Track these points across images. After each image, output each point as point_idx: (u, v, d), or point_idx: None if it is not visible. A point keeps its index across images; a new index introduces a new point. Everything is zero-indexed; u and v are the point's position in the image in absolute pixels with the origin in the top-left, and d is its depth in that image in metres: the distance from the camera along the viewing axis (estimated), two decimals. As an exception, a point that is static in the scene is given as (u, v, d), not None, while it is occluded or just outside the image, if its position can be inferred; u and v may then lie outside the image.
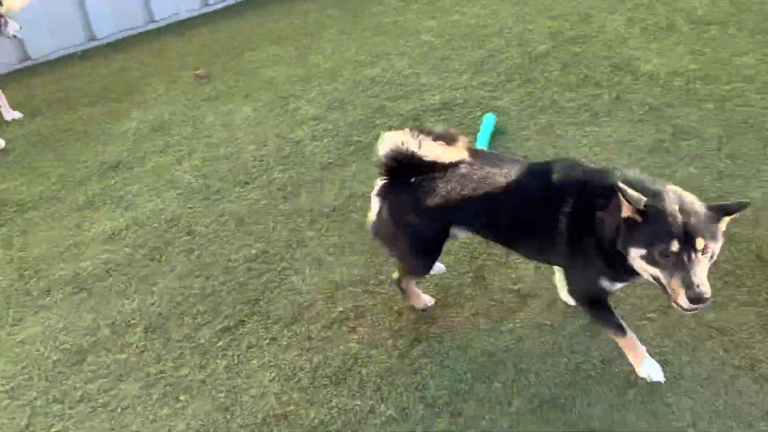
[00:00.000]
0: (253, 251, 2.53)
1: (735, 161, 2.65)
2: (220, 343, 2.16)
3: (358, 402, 1.94)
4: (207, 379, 2.05)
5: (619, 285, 1.81)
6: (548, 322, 2.13)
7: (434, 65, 3.72)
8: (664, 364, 1.90)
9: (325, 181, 2.88)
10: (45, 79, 4.04)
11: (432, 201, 1.90)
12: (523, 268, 2.30)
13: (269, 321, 2.22)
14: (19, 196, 2.95)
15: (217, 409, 1.95)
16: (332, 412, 1.92)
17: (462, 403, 1.91)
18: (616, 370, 1.93)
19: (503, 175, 1.85)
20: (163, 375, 2.08)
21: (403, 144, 1.86)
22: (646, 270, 1.61)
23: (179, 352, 2.15)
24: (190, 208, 2.80)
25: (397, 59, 3.85)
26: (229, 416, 1.93)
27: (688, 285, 1.52)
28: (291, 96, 3.60)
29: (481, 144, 2.89)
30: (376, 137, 3.09)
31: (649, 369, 1.88)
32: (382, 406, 1.92)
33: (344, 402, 1.94)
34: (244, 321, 2.24)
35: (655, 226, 1.56)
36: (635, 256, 1.61)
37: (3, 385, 2.08)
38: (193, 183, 2.96)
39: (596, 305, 1.87)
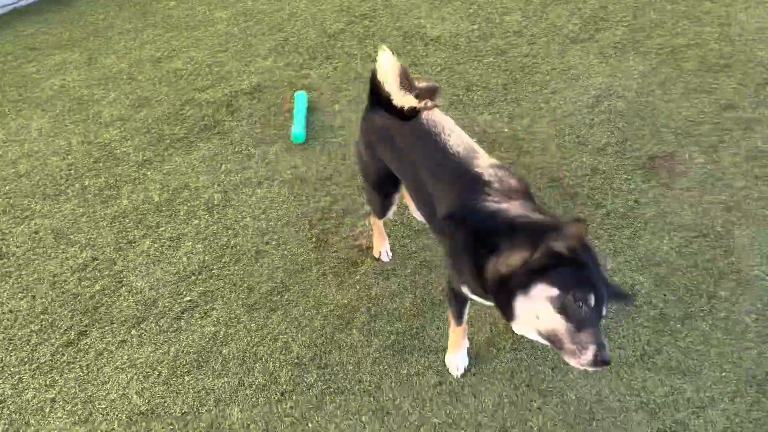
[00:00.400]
0: (80, 261, 2.39)
1: (520, 104, 3.02)
2: (63, 358, 2.03)
3: (225, 379, 1.95)
4: (57, 397, 1.92)
5: (476, 298, 1.65)
6: (390, 267, 2.29)
7: (236, 52, 3.73)
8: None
9: (145, 179, 2.79)
10: None
11: (367, 136, 1.84)
12: (360, 224, 2.44)
13: (114, 325, 2.13)
14: None
15: (76, 423, 1.85)
16: (200, 395, 1.91)
17: (326, 355, 2.01)
18: (455, 293, 2.14)
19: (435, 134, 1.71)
20: (4, 404, 1.91)
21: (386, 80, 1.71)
22: (545, 314, 1.35)
23: (17, 377, 1.98)
24: (-6, 231, 2.55)
25: (196, 51, 3.79)
26: (90, 426, 1.83)
27: (600, 345, 1.31)
28: (89, 101, 3.39)
29: (299, 122, 2.97)
30: (190, 128, 3.07)
31: (454, 361, 1.89)
32: (250, 377, 1.95)
33: (211, 383, 1.94)
34: (86, 331, 2.12)
35: (582, 271, 1.35)
36: (540, 294, 1.35)
37: None
38: (-6, 205, 2.69)
39: (454, 292, 1.77)
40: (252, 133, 3.04)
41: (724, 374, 1.89)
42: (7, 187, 2.79)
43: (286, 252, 2.37)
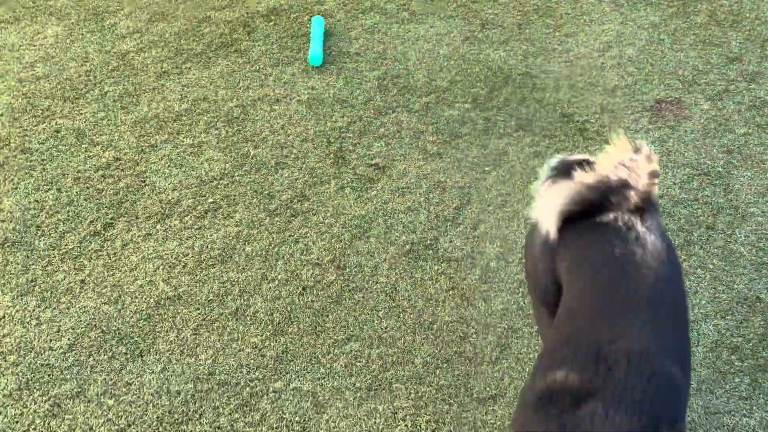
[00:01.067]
0: (103, 160, 2.44)
1: (534, 44, 3.08)
2: (91, 246, 2.10)
3: (249, 273, 2.04)
4: (87, 279, 2.00)
5: None
6: (405, 185, 2.38)
7: (252, -23, 3.71)
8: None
9: (164, 89, 2.81)
10: None
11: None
12: (376, 145, 2.51)
13: (139, 220, 2.20)
14: None
15: (106, 303, 1.93)
16: (225, 285, 2.00)
17: (344, 258, 2.10)
18: (468, 212, 2.24)
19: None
20: (36, 283, 1.99)
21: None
22: None
23: (47, 260, 2.06)
24: (18, 127, 2.58)
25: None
26: (119, 306, 1.92)
27: None
28: (104, 12, 3.37)
29: (316, 45, 3.00)
30: (208, 44, 3.08)
31: None
32: (272, 272, 2.04)
33: (235, 276, 2.03)
34: (111, 223, 2.19)
35: None
36: None
37: None
38: (14, 104, 2.71)
39: None
40: (269, 53, 3.06)
41: (717, 295, 2.03)
42: (25, 88, 2.80)
43: (304, 165, 2.44)
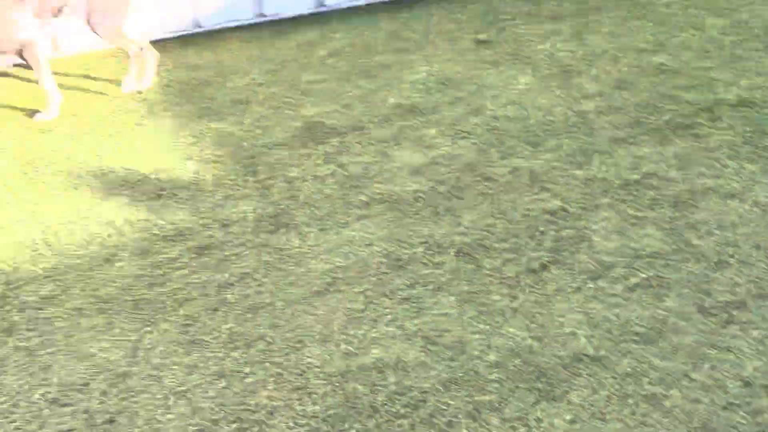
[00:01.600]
0: (551, 205, 2.64)
1: None
2: (527, 280, 2.29)
3: (671, 363, 1.97)
4: (518, 308, 2.19)
5: None
6: None
7: (725, 62, 3.58)
8: None
9: (616, 155, 2.91)
10: (341, 26, 4.42)
11: None
12: None
13: (573, 272, 2.32)
14: (331, 121, 3.29)
15: (531, 337, 2.08)
16: (643, 365, 1.98)
17: (783, 390, 1.88)
18: None
19: None
20: (476, 295, 2.25)
21: None
22: None
23: (488, 279, 2.31)
24: (485, 157, 2.96)
25: (681, 50, 3.75)
26: (542, 345, 2.05)
27: None
28: (572, 71, 3.64)
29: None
30: (667, 122, 3.09)
31: None
32: (696, 373, 1.94)
33: (656, 361, 1.99)
34: (546, 266, 2.35)
35: None
36: None
37: (340, 272, 2.37)
38: (485, 135, 3.12)
39: None
40: (731, 144, 2.92)
41: None
42: (496, 124, 3.20)
43: (750, 273, 2.26)
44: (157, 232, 2.57)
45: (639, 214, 2.56)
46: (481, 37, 4.06)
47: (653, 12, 4.29)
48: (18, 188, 2.83)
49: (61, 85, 3.45)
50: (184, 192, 2.79)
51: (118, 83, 3.61)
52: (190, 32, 4.25)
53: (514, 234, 2.51)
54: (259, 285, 2.32)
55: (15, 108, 3.46)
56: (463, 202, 2.69)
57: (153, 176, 2.89)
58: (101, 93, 3.59)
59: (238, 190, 2.81)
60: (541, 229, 2.52)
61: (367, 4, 4.67)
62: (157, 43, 4.09)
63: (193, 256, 2.45)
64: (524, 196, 2.70)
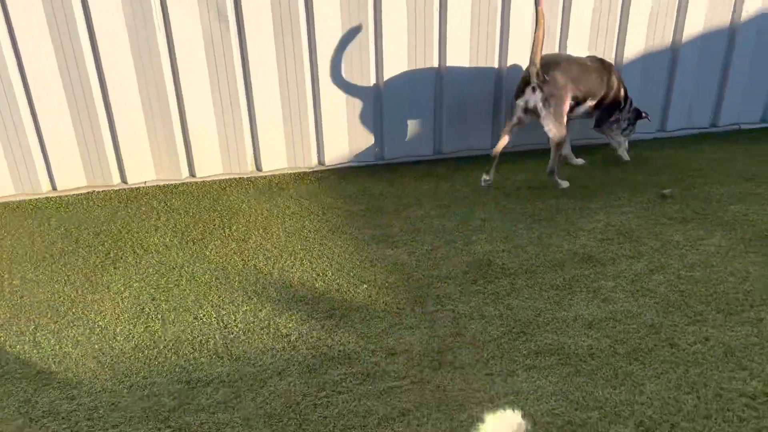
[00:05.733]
0: (750, 389, 2.31)
1: None
2: (723, 475, 1.97)
3: None
4: None
5: None
6: None
7: None
8: None
9: (830, 339, 2.53)
10: (517, 167, 4.48)
11: None
12: None
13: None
14: (502, 261, 3.24)
15: None
16: None
17: None
18: None
19: None
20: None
21: None
22: None
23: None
24: (669, 321, 2.71)
25: None
26: None
27: None
28: (772, 236, 3.32)
29: None
30: None
31: None
32: None
33: None
34: (746, 461, 2.02)
35: None
36: None
37: None
38: (669, 296, 2.88)
39: None
40: None
41: None
42: (682, 286, 2.95)
43: None
44: (326, 352, 2.61)
45: None
46: (667, 191, 3.88)
47: None
48: (208, 292, 3.06)
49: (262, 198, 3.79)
50: (355, 314, 2.84)
51: (309, 201, 3.89)
52: (373, 163, 4.55)
53: (706, 415, 2.21)
54: (418, 425, 2.23)
55: (224, 215, 3.83)
56: (644, 367, 2.45)
57: (329, 295, 2.99)
58: (294, 212, 3.87)
59: (406, 319, 2.80)
60: (739, 414, 2.20)
61: (544, 150, 4.72)
62: (342, 170, 4.41)
63: (358, 383, 2.43)
64: (717, 372, 2.40)
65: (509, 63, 4.40)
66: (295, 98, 4.23)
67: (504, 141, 4.06)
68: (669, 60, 4.59)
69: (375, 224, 3.67)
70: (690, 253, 3.23)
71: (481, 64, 4.37)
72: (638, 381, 2.38)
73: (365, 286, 3.07)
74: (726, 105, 4.81)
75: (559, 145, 3.91)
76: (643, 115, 4.31)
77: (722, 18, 4.51)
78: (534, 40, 3.67)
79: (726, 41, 4.60)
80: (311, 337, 2.71)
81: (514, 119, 3.98)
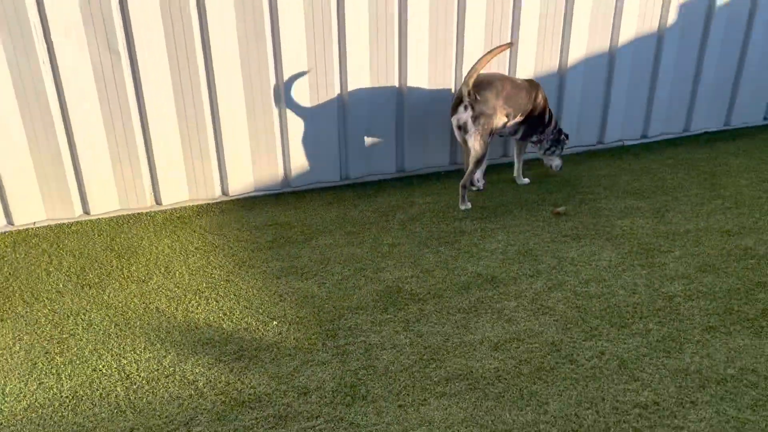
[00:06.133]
0: (642, 399, 2.47)
1: None
2: (622, 486, 2.10)
3: None
4: None
5: None
6: None
7: (818, 250, 3.44)
8: None
9: (709, 346, 2.75)
10: (421, 190, 4.58)
11: None
12: None
13: (672, 479, 2.11)
14: (411, 287, 3.30)
15: None
16: None
17: None
18: None
19: None
20: (566, 500, 2.06)
21: None
22: None
23: (579, 481, 2.13)
24: (568, 337, 2.86)
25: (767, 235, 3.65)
26: None
27: None
28: (655, 250, 3.58)
29: None
30: (763, 312, 2.92)
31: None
32: None
33: None
34: (642, 470, 2.15)
35: None
36: None
37: (418, 458, 2.24)
38: (568, 313, 3.03)
39: None
40: (836, 342, 2.71)
41: None
42: (579, 302, 3.12)
43: None
44: (236, 396, 2.54)
45: (741, 415, 2.36)
46: (560, 209, 4.10)
47: (734, 193, 4.27)
48: (107, 340, 2.91)
49: (159, 236, 3.65)
50: (265, 354, 2.79)
51: (213, 234, 3.79)
52: (279, 191, 4.50)
53: (604, 429, 2.34)
54: (334, 465, 2.22)
55: (119, 253, 3.66)
56: (547, 386, 2.56)
57: (237, 335, 2.92)
58: (197, 248, 3.76)
59: (318, 355, 2.79)
60: (634, 425, 2.34)
61: (446, 172, 4.86)
62: (248, 200, 4.33)
63: (270, 426, 2.38)
64: (612, 385, 2.55)
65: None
66: (194, 127, 4.12)
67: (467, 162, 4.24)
68: (557, 81, 4.86)
69: (283, 256, 3.63)
70: (584, 269, 3.41)
71: (382, 83, 4.46)
72: (542, 400, 2.49)
73: (275, 322, 3.02)
74: (610, 123, 5.15)
75: (479, 162, 4.12)
76: (564, 136, 4.55)
77: (602, 43, 4.84)
78: (474, 65, 3.88)
79: (607, 63, 4.93)
80: (220, 382, 2.63)
81: (458, 138, 4.18)
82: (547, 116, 4.44)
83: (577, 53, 4.79)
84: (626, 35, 4.86)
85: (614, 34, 4.84)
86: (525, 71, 4.71)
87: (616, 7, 4.75)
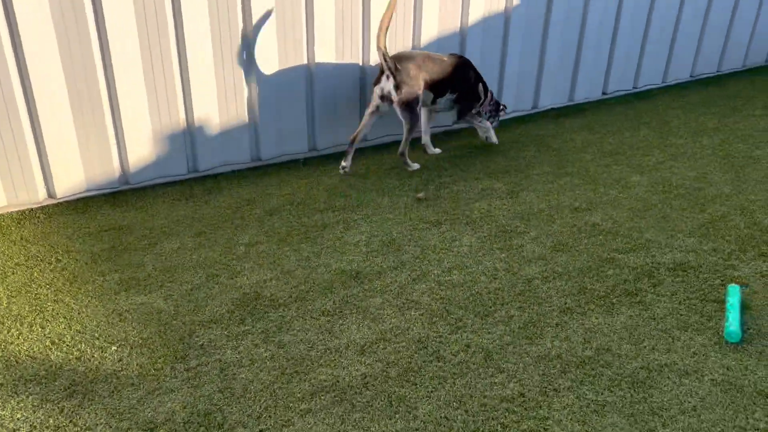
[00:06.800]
0: (508, 391, 2.45)
1: None
2: (494, 490, 2.05)
3: None
4: None
5: None
6: None
7: (656, 222, 3.67)
8: None
9: (567, 328, 2.81)
10: (279, 181, 4.32)
11: None
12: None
13: (541, 475, 2.10)
14: (271, 291, 3.06)
15: None
16: None
17: None
18: None
19: None
20: None
21: None
22: None
23: (452, 490, 2.05)
24: (434, 332, 2.79)
25: (613, 210, 3.83)
26: None
27: None
28: (512, 231, 3.62)
29: (734, 320, 2.73)
30: (612, 288, 3.04)
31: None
32: None
33: None
34: (512, 469, 2.12)
35: None
36: None
37: (283, 490, 2.05)
38: (432, 306, 2.97)
39: None
40: (676, 313, 2.88)
41: None
42: (443, 292, 3.07)
43: None
44: (68, 444, 2.18)
45: (599, 398, 2.41)
46: (420, 194, 4.03)
47: (581, 169, 4.45)
48: None
49: (-33, 256, 3.09)
50: (103, 387, 2.44)
51: (37, 246, 3.28)
52: (116, 189, 4.03)
53: (474, 429, 2.28)
54: None
55: None
56: (416, 388, 2.46)
57: (69, 367, 2.53)
58: (18, 263, 3.24)
59: (166, 381, 2.48)
60: (503, 421, 2.31)
61: (306, 159, 4.63)
62: (79, 202, 3.83)
63: (110, 477, 2.07)
64: (480, 380, 2.50)
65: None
66: (4, 118, 3.52)
67: (362, 128, 4.30)
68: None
69: (123, 266, 3.23)
70: (447, 257, 3.37)
71: (228, 72, 4.10)
72: (411, 405, 2.38)
73: (114, 347, 2.66)
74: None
75: (411, 129, 4.17)
76: (502, 107, 4.73)
77: (454, 23, 4.81)
78: (379, 25, 3.93)
79: (459, 43, 4.91)
80: (47, 427, 2.25)
81: (372, 106, 4.23)
82: (481, 92, 4.56)
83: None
84: (475, 15, 4.86)
85: (463, 16, 4.82)
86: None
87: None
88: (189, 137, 4.14)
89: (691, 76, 6.51)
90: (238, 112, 4.23)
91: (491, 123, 4.74)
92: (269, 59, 4.18)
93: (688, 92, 6.25)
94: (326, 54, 4.34)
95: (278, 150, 4.51)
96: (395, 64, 4.01)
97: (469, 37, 4.90)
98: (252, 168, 4.44)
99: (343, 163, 4.28)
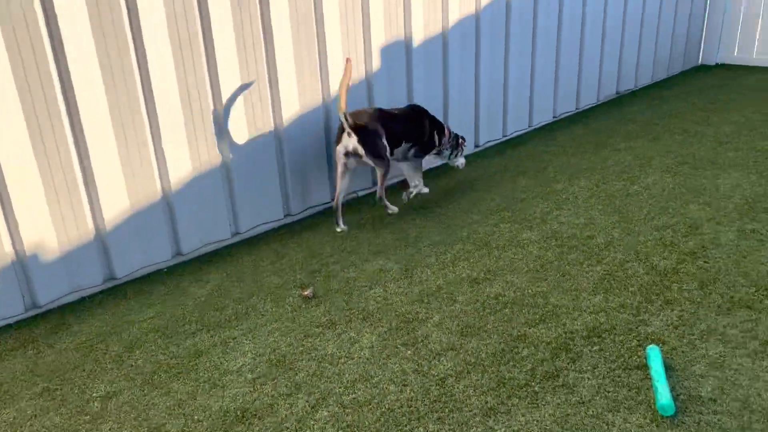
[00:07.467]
0: None
1: None
2: None
3: None
4: None
5: None
6: None
7: (557, 283, 3.46)
8: None
9: (494, 434, 2.45)
10: (136, 302, 3.71)
11: None
12: None
13: None
14: (138, 462, 2.45)
15: None
16: None
17: None
18: None
19: None
20: None
21: None
22: None
23: None
24: (346, 475, 2.32)
25: (512, 275, 3.60)
26: None
27: None
28: (414, 320, 3.26)
29: (664, 391, 2.50)
30: (531, 373, 2.74)
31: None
32: None
33: None
34: None
35: None
36: None
37: None
38: (339, 437, 2.50)
39: None
40: (603, 391, 2.62)
41: None
42: (349, 418, 2.61)
43: None
44: None
45: None
46: (307, 292, 3.59)
47: (471, 232, 4.22)
48: None
49: None
50: None
51: None
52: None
53: None
54: None
55: None
56: None
57: None
58: None
59: None
60: None
61: (170, 267, 4.05)
62: None
63: None
64: None
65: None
66: None
67: (339, 190, 4.33)
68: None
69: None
70: (347, 367, 2.93)
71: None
72: None
73: None
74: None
75: (385, 174, 4.25)
76: (461, 139, 4.87)
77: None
78: (339, 89, 3.98)
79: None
80: None
81: (340, 166, 4.27)
82: (436, 136, 4.66)
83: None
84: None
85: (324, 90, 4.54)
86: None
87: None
88: (21, 268, 3.45)
89: (554, 117, 6.65)
90: (80, 232, 3.60)
91: (454, 156, 4.89)
92: (112, 185, 3.61)
93: (555, 132, 6.35)
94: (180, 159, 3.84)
95: (135, 263, 3.90)
96: (354, 122, 4.09)
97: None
98: (106, 290, 3.79)
99: (338, 228, 4.38)
